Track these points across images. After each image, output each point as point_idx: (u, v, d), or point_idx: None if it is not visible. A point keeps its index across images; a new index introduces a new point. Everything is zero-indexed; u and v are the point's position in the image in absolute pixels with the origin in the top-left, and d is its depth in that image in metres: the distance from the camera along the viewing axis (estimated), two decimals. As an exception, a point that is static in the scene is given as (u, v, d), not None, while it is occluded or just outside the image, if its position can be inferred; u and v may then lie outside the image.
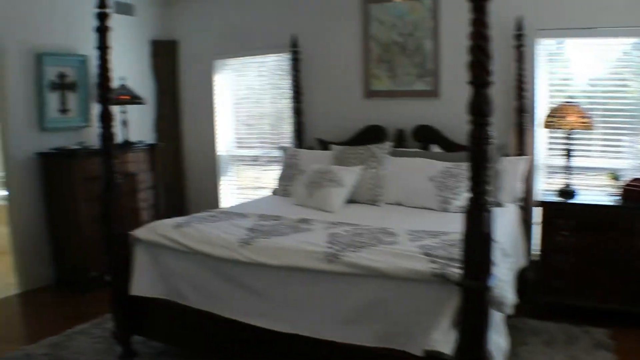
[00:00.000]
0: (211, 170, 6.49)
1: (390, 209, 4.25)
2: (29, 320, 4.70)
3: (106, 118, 3.42)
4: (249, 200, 5.25)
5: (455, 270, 2.51)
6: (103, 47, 3.36)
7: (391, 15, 5.10)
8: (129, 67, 6.00)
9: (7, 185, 5.15)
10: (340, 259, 2.83)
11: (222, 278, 3.21)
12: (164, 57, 6.50)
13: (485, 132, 2.33)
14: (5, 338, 4.15)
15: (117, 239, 3.53)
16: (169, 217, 5.77)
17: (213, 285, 3.25)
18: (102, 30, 3.34)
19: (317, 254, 2.91)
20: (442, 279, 2.53)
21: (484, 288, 2.40)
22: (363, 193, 4.41)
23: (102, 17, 3.31)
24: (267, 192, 5.35)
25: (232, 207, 4.65)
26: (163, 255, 3.48)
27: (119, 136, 4.93)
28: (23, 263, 5.16)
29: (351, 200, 4.37)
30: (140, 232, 3.57)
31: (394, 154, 4.61)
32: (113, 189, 3.48)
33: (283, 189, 4.98)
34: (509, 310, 2.71)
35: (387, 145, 4.66)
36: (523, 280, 3.97)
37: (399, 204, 4.34)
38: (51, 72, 5.26)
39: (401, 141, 4.98)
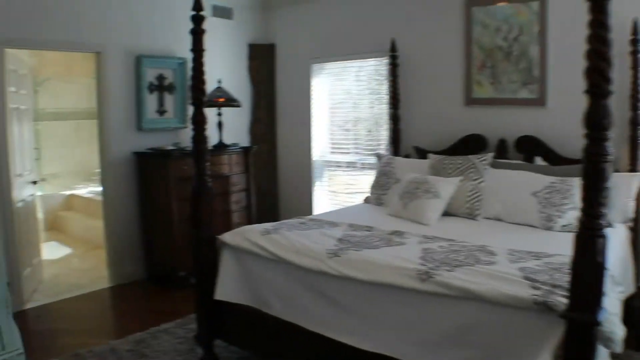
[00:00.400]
0: (305, 175, 6.42)
1: (488, 224, 3.96)
2: (118, 314, 4.83)
3: (199, 121, 3.41)
4: (341, 207, 5.10)
5: (560, 300, 2.23)
6: (198, 50, 3.35)
7: (495, 18, 4.80)
8: (226, 69, 6.06)
9: (102, 182, 5.32)
10: (434, 278, 2.61)
11: (309, 289, 3.09)
12: (261, 60, 6.51)
13: (604, 148, 2.05)
14: (95, 331, 4.26)
15: (205, 242, 3.50)
16: (260, 220, 5.79)
17: (299, 295, 3.13)
18: (197, 33, 3.33)
19: (408, 271, 2.71)
20: (544, 307, 2.26)
21: (592, 323, 2.12)
22: (460, 206, 4.14)
23: (198, 19, 3.30)
24: (361, 197, 5.19)
25: (323, 214, 4.54)
26: (250, 261, 3.41)
27: (213, 138, 4.95)
28: (116, 258, 5.31)
29: (447, 213, 4.11)
30: (228, 237, 3.52)
31: (494, 166, 4.30)
32: (204, 192, 3.46)
33: (376, 198, 4.79)
34: (619, 349, 2.38)
35: (488, 156, 4.36)
36: (629, 308, 3.56)
37: (499, 220, 4.03)
38: (150, 74, 5.39)
39: (502, 152, 4.65)
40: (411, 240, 3.28)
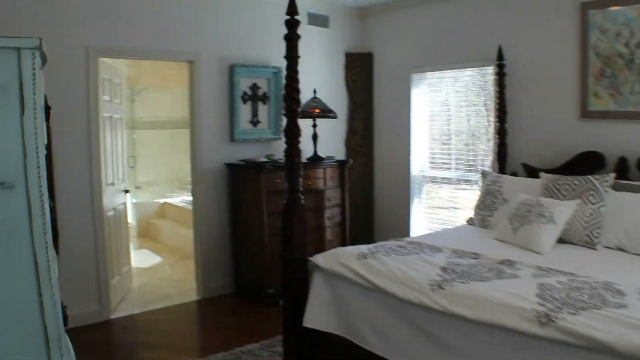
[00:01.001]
0: (403, 190, 6.03)
1: (610, 254, 3.47)
2: (203, 330, 4.69)
3: (293, 133, 3.20)
4: (442, 229, 4.72)
5: None
6: (292, 56, 3.16)
7: (615, 22, 4.28)
8: (322, 79, 5.87)
9: (193, 192, 5.25)
10: (555, 323, 2.23)
11: (408, 323, 2.77)
12: (359, 69, 6.26)
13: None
14: (179, 347, 4.13)
15: (295, 263, 3.27)
16: (354, 237, 5.55)
17: (396, 330, 2.82)
18: (292, 39, 3.14)
19: (525, 312, 2.34)
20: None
21: None
22: (577, 232, 3.68)
23: (292, 24, 3.10)
24: (461, 215, 4.81)
25: (423, 236, 4.18)
26: (343, 287, 3.14)
27: (308, 150, 4.76)
28: (204, 270, 5.20)
29: (561, 240, 3.66)
30: (320, 259, 3.27)
31: (616, 188, 3.82)
32: (296, 210, 3.23)
33: (481, 220, 4.38)
34: None
35: (610, 176, 3.86)
36: None
37: (621, 249, 3.54)
38: (244, 84, 5.28)
39: (623, 172, 4.11)
40: (524, 272, 2.90)
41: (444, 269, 2.93)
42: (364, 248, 3.37)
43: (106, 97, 4.73)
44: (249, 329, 4.39)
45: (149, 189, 9.10)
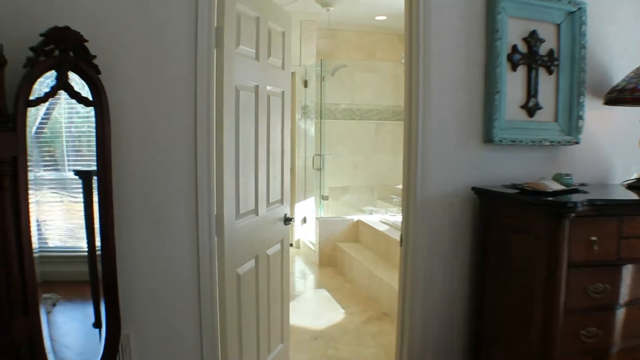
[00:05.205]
0: None
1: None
2: None
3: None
4: None
5: None
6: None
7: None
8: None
9: (405, 231, 2.72)
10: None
11: None
12: None
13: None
14: None
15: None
16: None
17: None
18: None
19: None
20: None
21: None
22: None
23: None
24: None
25: None
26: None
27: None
28: (413, 353, 2.68)
29: None
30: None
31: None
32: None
33: None
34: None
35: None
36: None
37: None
38: (514, 32, 2.67)
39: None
40: None
41: None
42: None
43: (247, 49, 2.45)
44: None
45: (342, 198, 6.88)
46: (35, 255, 1.78)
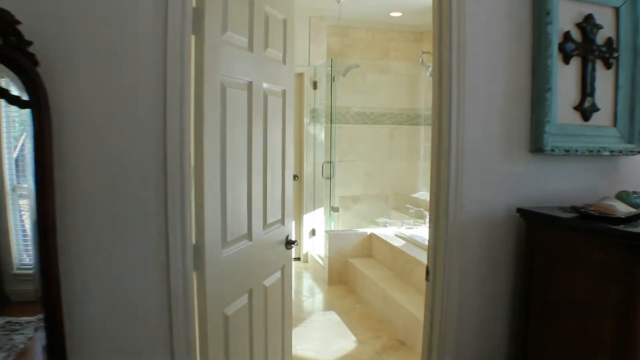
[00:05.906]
0: None
1: None
2: None
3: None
4: None
5: None
6: None
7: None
8: None
9: (433, 260, 2.22)
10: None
11: None
12: None
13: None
14: None
15: None
16: None
17: None
18: None
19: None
20: None
21: None
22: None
23: None
24: None
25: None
26: None
27: None
28: None
29: None
30: None
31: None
32: None
33: None
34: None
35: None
36: None
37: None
38: (565, 17, 2.17)
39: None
40: None
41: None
42: None
43: (237, 37, 1.98)
44: None
45: (353, 208, 6.39)
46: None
